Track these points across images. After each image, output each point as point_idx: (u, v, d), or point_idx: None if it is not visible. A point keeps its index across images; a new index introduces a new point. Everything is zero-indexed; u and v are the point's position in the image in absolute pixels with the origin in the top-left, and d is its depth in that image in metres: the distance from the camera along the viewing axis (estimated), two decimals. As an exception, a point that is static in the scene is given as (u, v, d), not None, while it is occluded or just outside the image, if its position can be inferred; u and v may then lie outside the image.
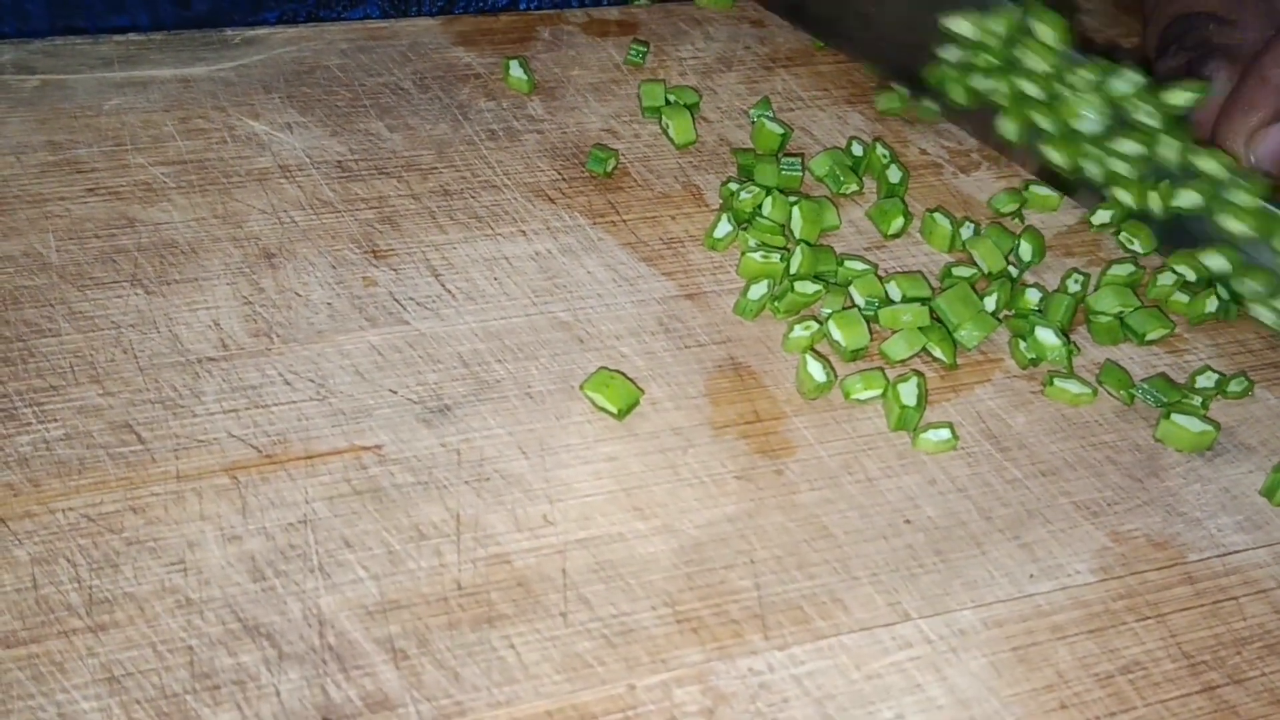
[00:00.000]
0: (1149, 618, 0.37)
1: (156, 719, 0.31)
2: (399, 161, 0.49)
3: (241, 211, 0.46)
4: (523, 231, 0.47)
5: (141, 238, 0.44)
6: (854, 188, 0.50)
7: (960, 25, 0.50)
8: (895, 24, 0.55)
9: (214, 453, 0.38)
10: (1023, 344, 0.44)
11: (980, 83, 0.51)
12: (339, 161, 0.49)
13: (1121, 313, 0.46)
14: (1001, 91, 0.50)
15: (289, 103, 0.51)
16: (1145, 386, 0.43)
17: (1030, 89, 0.49)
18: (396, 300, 0.43)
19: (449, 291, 0.44)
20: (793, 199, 0.48)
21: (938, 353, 0.44)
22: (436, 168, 0.49)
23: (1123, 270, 0.47)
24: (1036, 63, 0.48)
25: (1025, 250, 0.48)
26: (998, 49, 0.49)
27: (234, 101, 0.51)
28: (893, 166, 0.50)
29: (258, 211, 0.46)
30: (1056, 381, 0.43)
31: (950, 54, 0.51)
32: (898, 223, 0.49)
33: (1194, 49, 0.50)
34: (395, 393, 0.40)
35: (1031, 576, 0.38)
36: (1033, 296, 0.46)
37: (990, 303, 0.45)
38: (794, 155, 0.51)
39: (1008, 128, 0.51)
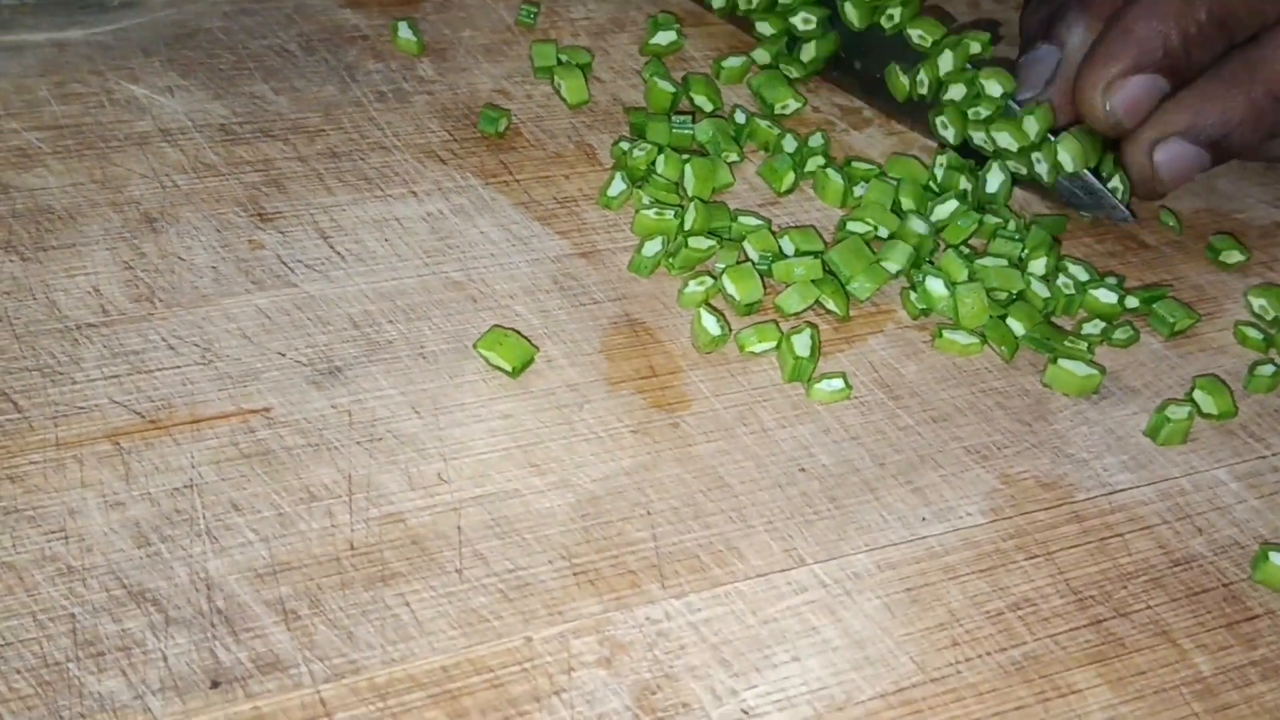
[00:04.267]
0: (1038, 556, 0.38)
1: (38, 688, 0.30)
2: (285, 124, 0.48)
3: (121, 176, 0.45)
4: (413, 192, 0.46)
5: (16, 204, 0.43)
6: (734, 157, 0.50)
7: None
8: None
9: (95, 419, 0.37)
10: (913, 295, 0.45)
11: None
12: (222, 125, 0.48)
13: (1009, 295, 0.45)
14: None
15: (169, 66, 0.50)
16: (1032, 333, 0.44)
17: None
18: (284, 263, 0.43)
19: (338, 254, 0.43)
20: (685, 157, 0.48)
21: (831, 305, 0.44)
22: (324, 130, 0.48)
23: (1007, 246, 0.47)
24: None
25: (1066, 159, 0.48)
26: None
27: (112, 65, 0.49)
28: (788, 137, 0.50)
29: (138, 176, 0.45)
30: (945, 333, 0.44)
31: None
32: (789, 179, 0.49)
33: (1057, 2, 0.51)
34: (284, 355, 0.40)
35: (924, 519, 0.38)
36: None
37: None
38: (685, 113, 0.51)
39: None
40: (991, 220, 0.47)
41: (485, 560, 0.35)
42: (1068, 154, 0.48)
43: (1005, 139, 0.49)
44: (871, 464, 0.40)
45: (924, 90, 0.52)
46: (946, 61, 0.51)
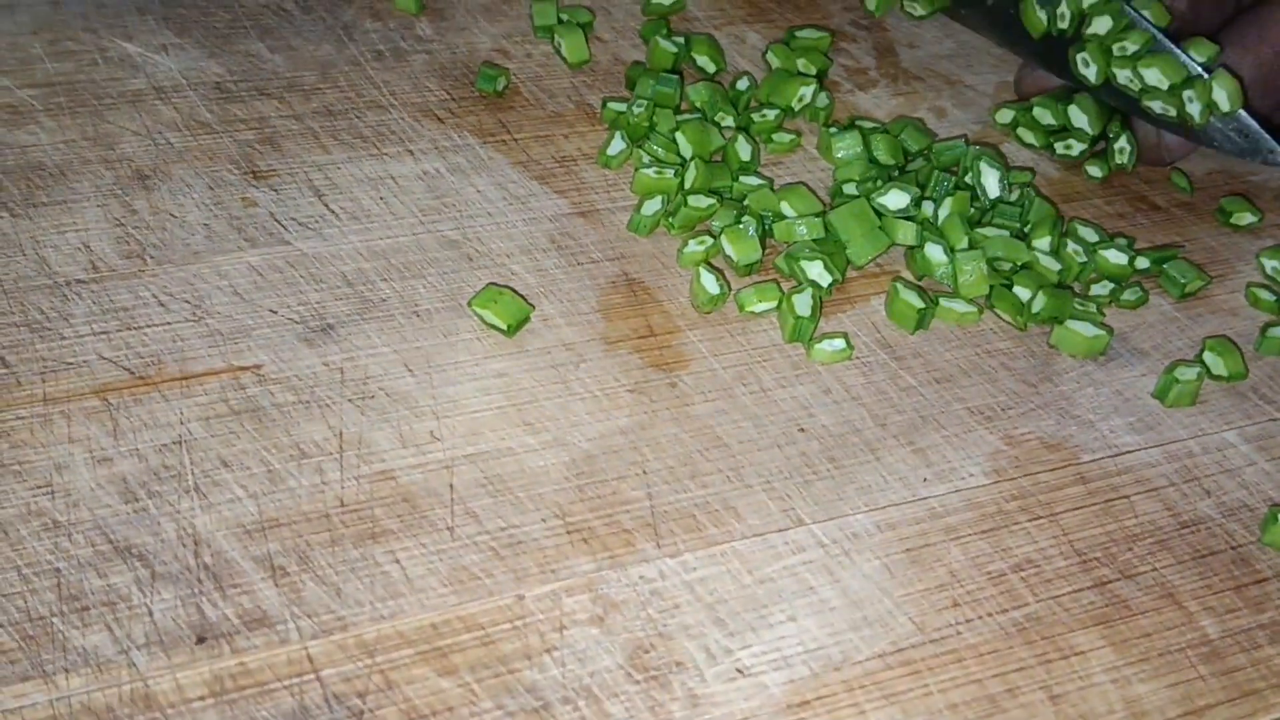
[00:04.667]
0: (1041, 517, 0.37)
1: (22, 642, 0.30)
2: (280, 83, 0.47)
3: (113, 133, 0.44)
4: (410, 151, 0.46)
5: (7, 160, 0.42)
6: (729, 121, 0.48)
7: None
8: None
9: (83, 375, 0.36)
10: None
11: None
12: (217, 83, 0.47)
13: (1013, 265, 0.44)
14: None
15: (164, 24, 0.49)
16: (1046, 308, 0.43)
17: None
18: (277, 221, 0.42)
19: (332, 211, 0.43)
20: (679, 118, 0.47)
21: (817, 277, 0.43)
22: (320, 88, 0.48)
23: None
24: None
25: (1221, 98, 0.46)
26: None
27: (106, 24, 0.49)
28: (821, 94, 0.49)
29: (131, 133, 0.44)
30: (942, 301, 0.43)
31: None
32: (781, 137, 0.48)
33: None
34: (275, 312, 0.39)
35: (925, 480, 0.38)
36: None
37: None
38: (674, 73, 0.50)
39: None
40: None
41: (477, 518, 0.35)
42: (1224, 92, 0.45)
43: (1154, 75, 0.46)
44: (872, 424, 0.39)
45: (1064, 24, 0.48)
46: None
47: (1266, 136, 0.46)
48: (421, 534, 0.34)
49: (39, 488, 0.33)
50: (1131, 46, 0.47)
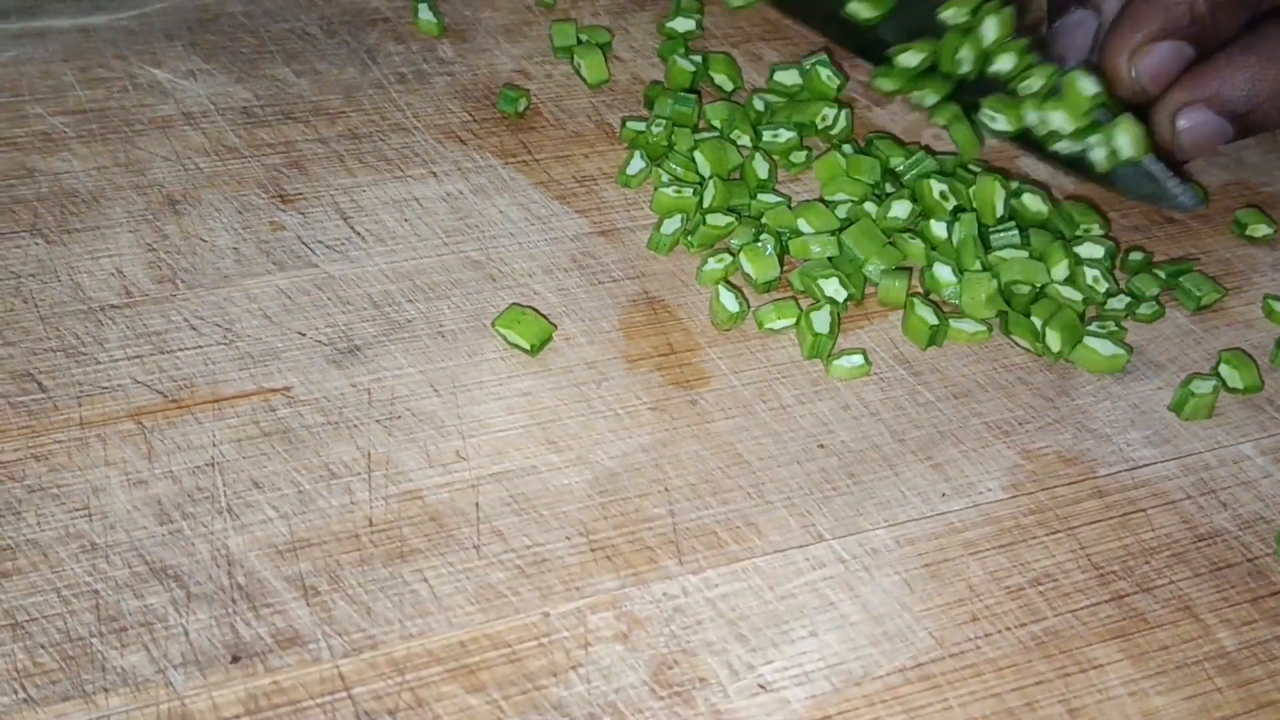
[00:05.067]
0: (1059, 531, 0.38)
1: (62, 662, 0.31)
2: (306, 106, 0.48)
3: (144, 159, 0.45)
4: (433, 173, 0.46)
5: (41, 187, 0.43)
6: (745, 140, 0.49)
7: None
8: None
9: (118, 399, 0.37)
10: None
11: None
12: (244, 108, 0.48)
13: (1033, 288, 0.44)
14: None
15: (192, 50, 0.50)
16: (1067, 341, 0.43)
17: None
18: (304, 244, 0.43)
19: (358, 234, 0.43)
20: (697, 137, 0.47)
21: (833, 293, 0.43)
22: (345, 112, 0.48)
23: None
24: None
25: (1124, 144, 0.46)
26: None
27: (135, 50, 0.50)
28: (841, 115, 0.49)
29: (161, 159, 0.45)
30: (952, 321, 0.43)
31: None
32: (798, 155, 0.48)
33: None
34: (304, 335, 0.40)
35: (943, 495, 0.38)
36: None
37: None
38: (693, 93, 0.50)
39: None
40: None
41: (503, 536, 0.35)
42: (1126, 138, 0.46)
43: (1059, 119, 0.47)
44: (891, 440, 0.39)
45: (966, 68, 0.49)
46: (991, 29, 0.48)
47: (1172, 181, 0.47)
48: (449, 553, 0.35)
49: (77, 510, 0.34)
50: (1036, 85, 0.47)
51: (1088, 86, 0.46)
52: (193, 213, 0.43)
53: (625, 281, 0.43)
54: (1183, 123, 0.47)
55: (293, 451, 0.36)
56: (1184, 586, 0.37)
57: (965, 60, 0.49)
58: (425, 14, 0.53)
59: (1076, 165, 0.49)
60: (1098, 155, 0.47)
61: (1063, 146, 0.48)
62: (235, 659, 0.31)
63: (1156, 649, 0.35)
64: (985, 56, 0.48)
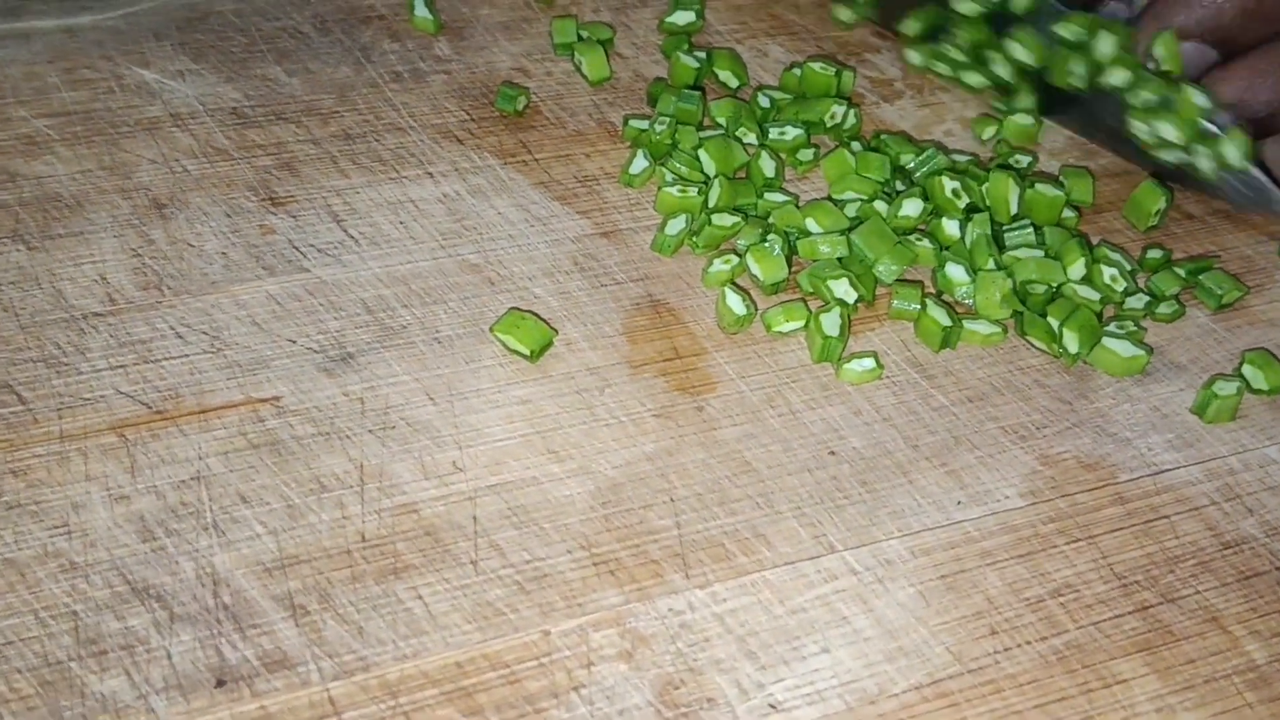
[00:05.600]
0: (1080, 540, 0.36)
1: (39, 688, 0.30)
2: (298, 106, 0.47)
3: (130, 162, 0.44)
4: (429, 174, 0.45)
5: (23, 192, 0.42)
6: (751, 138, 0.47)
7: None
8: None
9: (100, 410, 0.36)
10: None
11: None
12: (234, 108, 0.46)
13: (1049, 288, 0.43)
14: None
15: (181, 50, 0.49)
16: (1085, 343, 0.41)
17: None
18: (296, 248, 0.41)
19: (351, 237, 0.42)
20: (702, 135, 0.46)
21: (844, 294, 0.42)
22: (338, 112, 0.47)
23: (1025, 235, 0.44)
24: None
25: (1231, 154, 0.45)
26: None
27: (122, 50, 0.48)
28: (850, 114, 0.48)
29: (147, 161, 0.44)
30: (966, 323, 0.42)
31: None
32: (806, 153, 0.47)
33: None
34: (294, 342, 0.38)
35: (959, 503, 0.37)
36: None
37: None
38: (695, 89, 0.49)
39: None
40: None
41: (501, 551, 0.34)
42: (1234, 148, 0.45)
43: (1169, 130, 0.46)
44: (904, 446, 0.38)
45: (1078, 82, 0.48)
46: (1107, 45, 0.47)
47: (1274, 189, 0.45)
48: (445, 569, 0.33)
49: (56, 528, 0.33)
50: (1147, 97, 0.46)
51: (1199, 99, 0.45)
52: (180, 217, 0.42)
53: (628, 284, 0.42)
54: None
55: (282, 464, 0.35)
56: (1210, 596, 0.35)
57: (1077, 74, 0.48)
58: (421, 10, 0.51)
59: (1179, 174, 0.48)
60: (1204, 164, 0.46)
61: (1170, 155, 0.47)
62: (220, 683, 0.30)
63: (1183, 662, 0.34)
64: (1099, 69, 0.48)
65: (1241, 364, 0.42)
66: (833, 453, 0.38)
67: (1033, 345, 0.42)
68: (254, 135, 0.45)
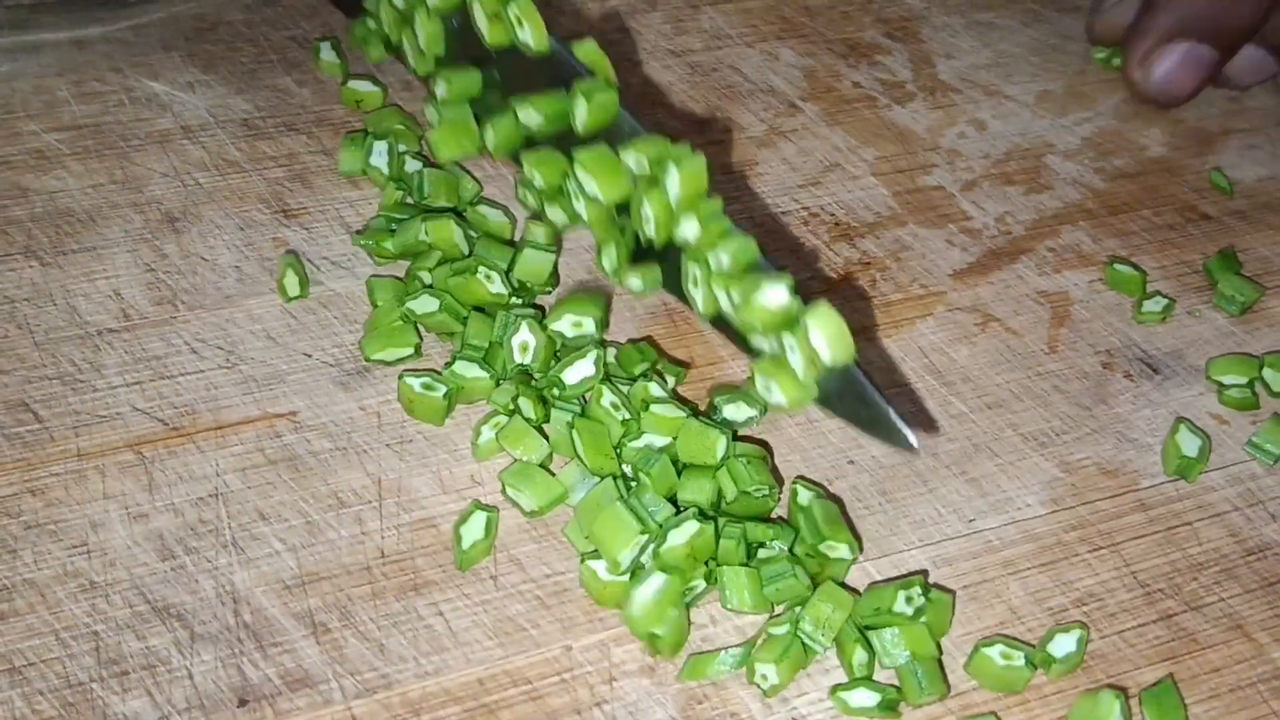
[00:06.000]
0: (1102, 548, 0.36)
1: (61, 709, 0.29)
2: (309, 117, 0.47)
3: (142, 176, 0.43)
4: (441, 183, 0.45)
5: (35, 208, 0.42)
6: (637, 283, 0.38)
7: None
8: None
9: (117, 428, 0.35)
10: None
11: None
12: (245, 119, 0.46)
13: None
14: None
15: (190, 61, 0.49)
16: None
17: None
18: (309, 260, 0.41)
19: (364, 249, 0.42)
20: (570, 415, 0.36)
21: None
22: (349, 122, 0.47)
23: None
24: None
25: (819, 342, 0.32)
26: None
27: (131, 62, 0.48)
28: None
29: (159, 175, 0.44)
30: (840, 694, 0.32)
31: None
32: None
33: None
34: (310, 356, 0.38)
35: (980, 512, 0.36)
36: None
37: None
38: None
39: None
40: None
41: (521, 565, 0.34)
42: (821, 334, 0.32)
43: (747, 318, 0.34)
44: (924, 454, 0.38)
45: (650, 230, 0.36)
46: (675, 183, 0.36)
47: (887, 405, 0.33)
48: (465, 584, 0.33)
49: (75, 547, 0.33)
50: (726, 258, 0.35)
51: (775, 296, 0.33)
52: (192, 230, 0.42)
53: (642, 293, 0.42)
54: (1160, 70, 0.45)
55: (300, 480, 0.35)
56: (1234, 604, 0.35)
57: (650, 220, 0.36)
58: (327, 55, 0.49)
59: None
60: (795, 361, 0.33)
61: (759, 343, 0.35)
62: (242, 702, 0.30)
63: (1208, 671, 0.33)
64: (672, 216, 0.36)
65: (1261, 366, 0.41)
66: (852, 462, 0.37)
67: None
68: (265, 147, 0.45)
